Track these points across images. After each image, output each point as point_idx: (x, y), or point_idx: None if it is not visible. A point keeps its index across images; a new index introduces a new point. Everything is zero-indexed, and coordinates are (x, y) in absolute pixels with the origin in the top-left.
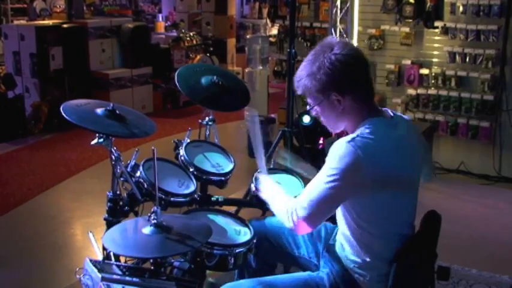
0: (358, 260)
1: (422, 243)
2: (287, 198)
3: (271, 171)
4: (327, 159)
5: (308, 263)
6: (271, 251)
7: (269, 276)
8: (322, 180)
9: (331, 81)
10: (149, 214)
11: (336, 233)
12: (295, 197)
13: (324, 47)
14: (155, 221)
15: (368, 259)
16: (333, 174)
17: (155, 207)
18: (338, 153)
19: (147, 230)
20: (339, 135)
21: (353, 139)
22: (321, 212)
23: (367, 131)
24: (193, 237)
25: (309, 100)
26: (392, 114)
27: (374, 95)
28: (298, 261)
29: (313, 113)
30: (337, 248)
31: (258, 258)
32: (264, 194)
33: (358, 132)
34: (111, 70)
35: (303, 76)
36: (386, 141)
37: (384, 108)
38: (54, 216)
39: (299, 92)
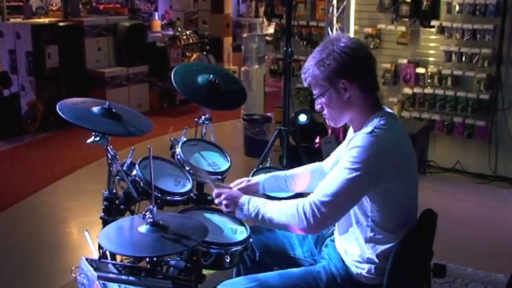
0: (358, 254)
1: (418, 241)
2: (285, 201)
3: (269, 170)
4: (348, 153)
5: (304, 263)
6: (267, 254)
7: (265, 273)
8: (344, 174)
9: (340, 67)
10: (144, 212)
11: (332, 232)
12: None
13: (332, 39)
14: (151, 219)
15: (369, 254)
16: (357, 167)
17: (151, 206)
18: (360, 145)
19: (143, 228)
20: (336, 134)
21: (372, 131)
22: (343, 205)
23: (383, 122)
24: (190, 237)
25: (315, 91)
26: (389, 110)
27: (378, 88)
28: (294, 262)
29: (317, 107)
30: (336, 243)
31: (254, 263)
32: (243, 211)
33: (372, 125)
34: (107, 68)
35: (311, 66)
36: (400, 131)
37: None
38: (50, 215)
39: (306, 83)
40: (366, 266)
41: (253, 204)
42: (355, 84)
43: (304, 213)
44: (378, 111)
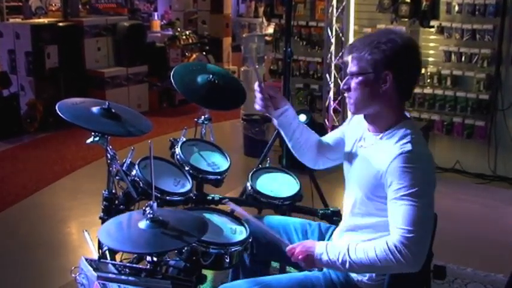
0: None
1: None
2: (369, 245)
3: (269, 170)
4: (397, 176)
5: None
6: (266, 249)
7: (264, 276)
8: (415, 202)
9: (393, 58)
10: (144, 207)
11: (331, 233)
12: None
13: (395, 30)
14: (151, 215)
15: None
16: (422, 191)
17: (151, 202)
18: (413, 166)
19: (142, 224)
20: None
21: (412, 150)
22: (427, 233)
23: (415, 135)
24: (190, 232)
25: (353, 68)
26: (408, 114)
27: (410, 98)
28: (289, 258)
29: (344, 86)
30: None
31: (252, 256)
32: (323, 262)
33: (407, 137)
34: (106, 69)
35: (365, 44)
36: (425, 142)
37: None
38: (50, 215)
39: (347, 56)
40: (367, 273)
41: (333, 252)
42: (396, 83)
43: (401, 254)
44: (404, 118)
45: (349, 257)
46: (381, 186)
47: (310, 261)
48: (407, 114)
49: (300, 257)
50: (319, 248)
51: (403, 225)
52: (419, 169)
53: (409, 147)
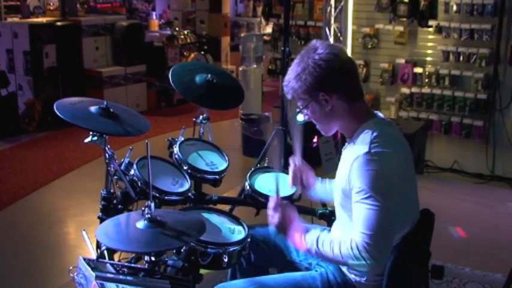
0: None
1: (416, 242)
2: (333, 237)
3: (267, 169)
4: (356, 179)
5: (300, 266)
6: (263, 256)
7: (262, 276)
8: (369, 205)
9: (315, 80)
10: (143, 208)
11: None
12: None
13: (309, 49)
14: (149, 215)
15: None
16: (376, 192)
17: (149, 202)
18: (362, 170)
19: (140, 224)
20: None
21: (370, 149)
22: (387, 234)
23: (376, 134)
24: (188, 232)
25: (298, 103)
26: (382, 115)
27: (363, 95)
28: (290, 265)
29: (305, 118)
30: None
31: (250, 264)
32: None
33: (365, 140)
34: (105, 68)
35: (290, 79)
36: (394, 138)
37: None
38: (48, 214)
39: (289, 96)
40: (365, 274)
41: (307, 237)
42: (335, 95)
43: (362, 256)
44: (368, 119)
45: (317, 246)
46: (350, 190)
47: (283, 230)
48: (378, 113)
49: (277, 221)
50: (296, 227)
51: (363, 229)
52: (376, 170)
53: (365, 149)
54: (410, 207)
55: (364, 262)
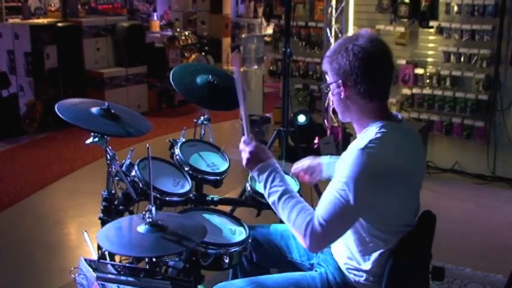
0: (356, 263)
1: (417, 243)
2: (296, 202)
3: None
4: (340, 169)
5: (301, 267)
6: (264, 256)
7: (262, 276)
8: (336, 199)
9: (341, 67)
10: (144, 212)
11: None
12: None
13: (352, 36)
14: (150, 219)
15: (367, 264)
16: (348, 195)
17: (150, 206)
18: (349, 162)
19: (142, 228)
20: (335, 135)
21: (365, 147)
22: (339, 230)
23: (379, 135)
24: (189, 237)
25: (327, 78)
26: (400, 117)
27: (385, 97)
28: (291, 265)
29: (327, 96)
30: (333, 251)
31: (251, 265)
32: (259, 179)
33: (367, 137)
34: (106, 69)
35: (329, 54)
36: (398, 143)
37: (393, 112)
38: (49, 215)
39: (323, 66)
40: (364, 274)
41: (272, 183)
42: (354, 89)
43: (308, 236)
44: (381, 119)
45: (278, 199)
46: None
47: (251, 165)
48: (398, 115)
49: (247, 156)
50: (265, 166)
51: (321, 214)
52: (359, 166)
53: (361, 145)
54: (402, 213)
55: (306, 240)
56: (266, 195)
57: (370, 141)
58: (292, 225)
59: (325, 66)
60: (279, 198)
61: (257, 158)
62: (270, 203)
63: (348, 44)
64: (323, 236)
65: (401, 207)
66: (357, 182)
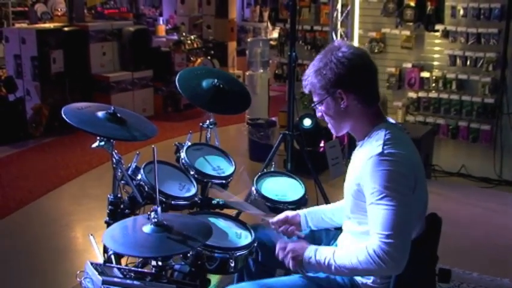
0: None
1: (423, 245)
2: (352, 249)
3: (274, 174)
4: (369, 180)
5: None
6: (270, 256)
7: (268, 278)
8: (387, 205)
9: (335, 77)
10: (149, 212)
11: (336, 237)
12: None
13: (332, 47)
14: (156, 219)
15: None
16: (391, 193)
17: (155, 206)
18: (375, 171)
19: (147, 228)
20: (340, 139)
21: (383, 150)
22: (406, 233)
23: (389, 136)
24: (194, 237)
25: (314, 99)
26: (393, 121)
27: (379, 100)
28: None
29: (318, 114)
30: None
31: (257, 265)
32: (311, 265)
33: (379, 141)
34: (112, 73)
35: (310, 73)
36: (408, 142)
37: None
38: (55, 219)
39: (306, 90)
40: (372, 276)
41: (320, 256)
42: (352, 95)
43: (381, 259)
44: (380, 122)
45: (334, 261)
46: (362, 192)
47: (299, 263)
48: (389, 119)
49: (289, 256)
50: (308, 252)
51: (380, 230)
52: (390, 171)
53: (379, 150)
54: (423, 209)
55: (384, 266)
56: (328, 272)
57: (385, 144)
58: (361, 268)
59: (312, 84)
60: (335, 262)
61: (297, 257)
62: (334, 273)
63: (333, 54)
64: (395, 249)
65: (419, 206)
66: (393, 184)
